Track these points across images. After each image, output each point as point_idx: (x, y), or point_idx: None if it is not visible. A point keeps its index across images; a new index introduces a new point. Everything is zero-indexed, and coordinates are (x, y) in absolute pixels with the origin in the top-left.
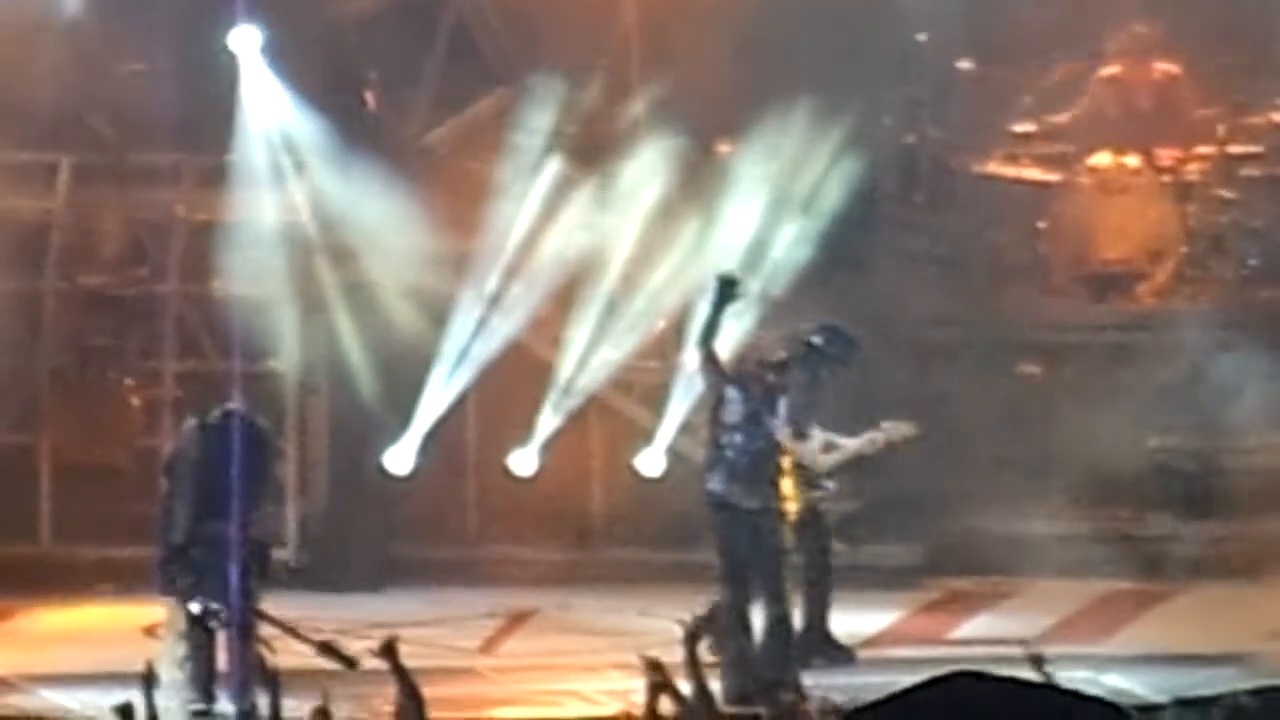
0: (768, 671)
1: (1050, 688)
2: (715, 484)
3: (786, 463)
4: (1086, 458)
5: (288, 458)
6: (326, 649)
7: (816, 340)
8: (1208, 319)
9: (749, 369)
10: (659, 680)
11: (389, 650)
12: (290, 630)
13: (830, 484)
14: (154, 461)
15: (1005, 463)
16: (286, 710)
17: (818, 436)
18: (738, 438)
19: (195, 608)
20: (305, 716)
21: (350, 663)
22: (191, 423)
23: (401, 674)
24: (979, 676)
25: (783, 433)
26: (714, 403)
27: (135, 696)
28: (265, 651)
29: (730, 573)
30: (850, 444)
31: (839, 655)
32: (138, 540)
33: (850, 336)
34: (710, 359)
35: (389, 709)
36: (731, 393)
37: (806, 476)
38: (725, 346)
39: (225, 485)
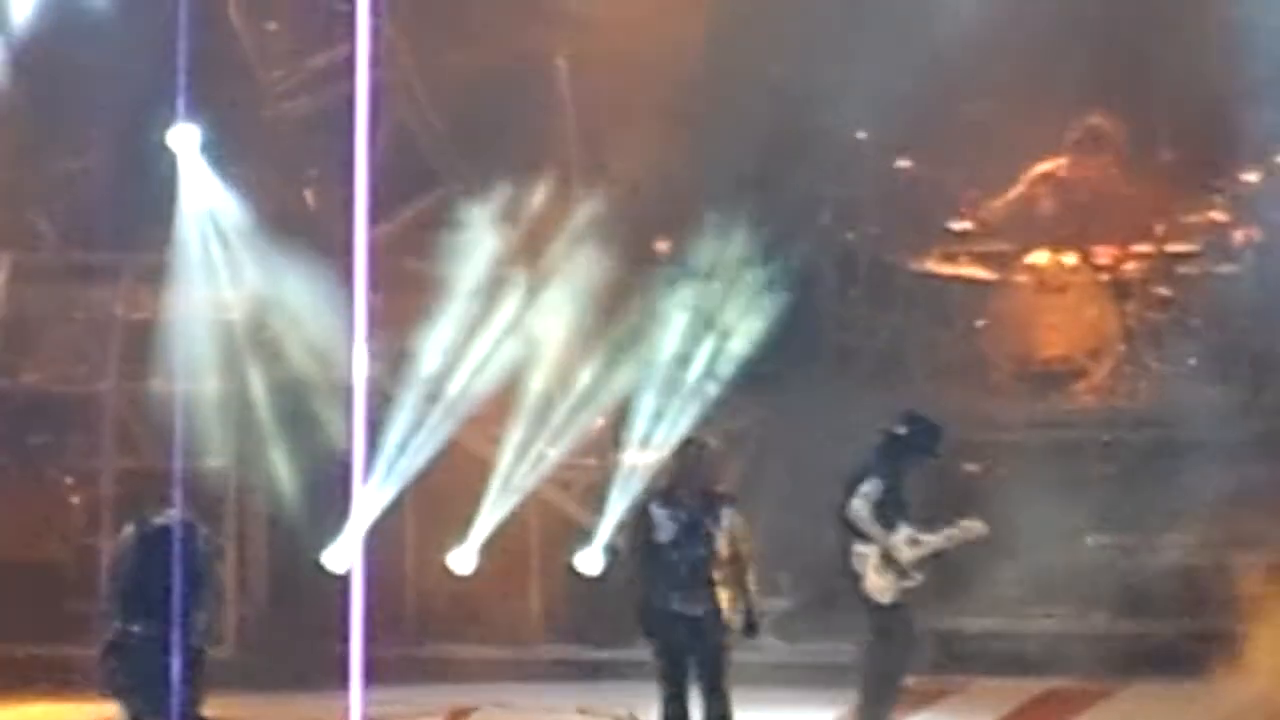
0: None
1: None
2: (656, 597)
3: (874, 555)
4: (1025, 555)
5: (225, 557)
6: None
7: (900, 430)
8: (1146, 417)
9: (682, 488)
10: None
11: None
12: None
13: (919, 576)
14: (94, 559)
15: (944, 560)
16: None
17: (903, 530)
18: (673, 554)
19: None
20: None
21: None
22: (130, 528)
23: None
24: None
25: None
26: (642, 531)
27: None
28: None
29: (668, 671)
30: (933, 539)
31: None
32: (77, 639)
33: (935, 424)
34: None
35: None
36: (660, 517)
37: (897, 568)
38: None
39: (162, 588)
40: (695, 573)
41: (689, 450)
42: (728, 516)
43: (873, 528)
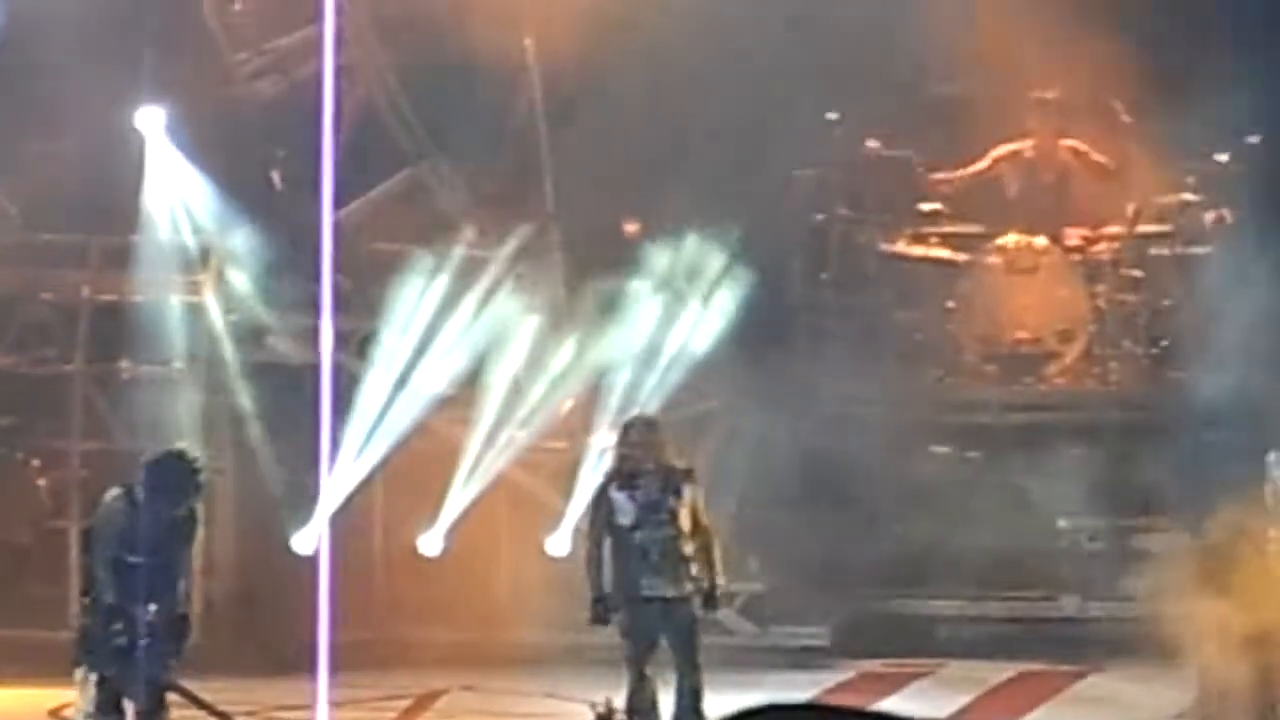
0: None
1: (861, 713)
2: (626, 581)
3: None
4: (996, 538)
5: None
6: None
7: None
8: (1118, 399)
9: (639, 468)
10: None
11: None
12: (206, 706)
13: None
14: (60, 542)
15: (914, 543)
16: None
17: None
18: (636, 536)
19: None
20: None
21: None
22: (116, 491)
23: None
24: (788, 708)
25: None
26: (602, 516)
27: None
28: None
29: (636, 655)
30: None
31: None
32: (43, 622)
33: None
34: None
35: None
36: (619, 500)
37: None
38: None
39: (150, 556)
40: (664, 554)
41: (634, 429)
42: (688, 491)
43: None
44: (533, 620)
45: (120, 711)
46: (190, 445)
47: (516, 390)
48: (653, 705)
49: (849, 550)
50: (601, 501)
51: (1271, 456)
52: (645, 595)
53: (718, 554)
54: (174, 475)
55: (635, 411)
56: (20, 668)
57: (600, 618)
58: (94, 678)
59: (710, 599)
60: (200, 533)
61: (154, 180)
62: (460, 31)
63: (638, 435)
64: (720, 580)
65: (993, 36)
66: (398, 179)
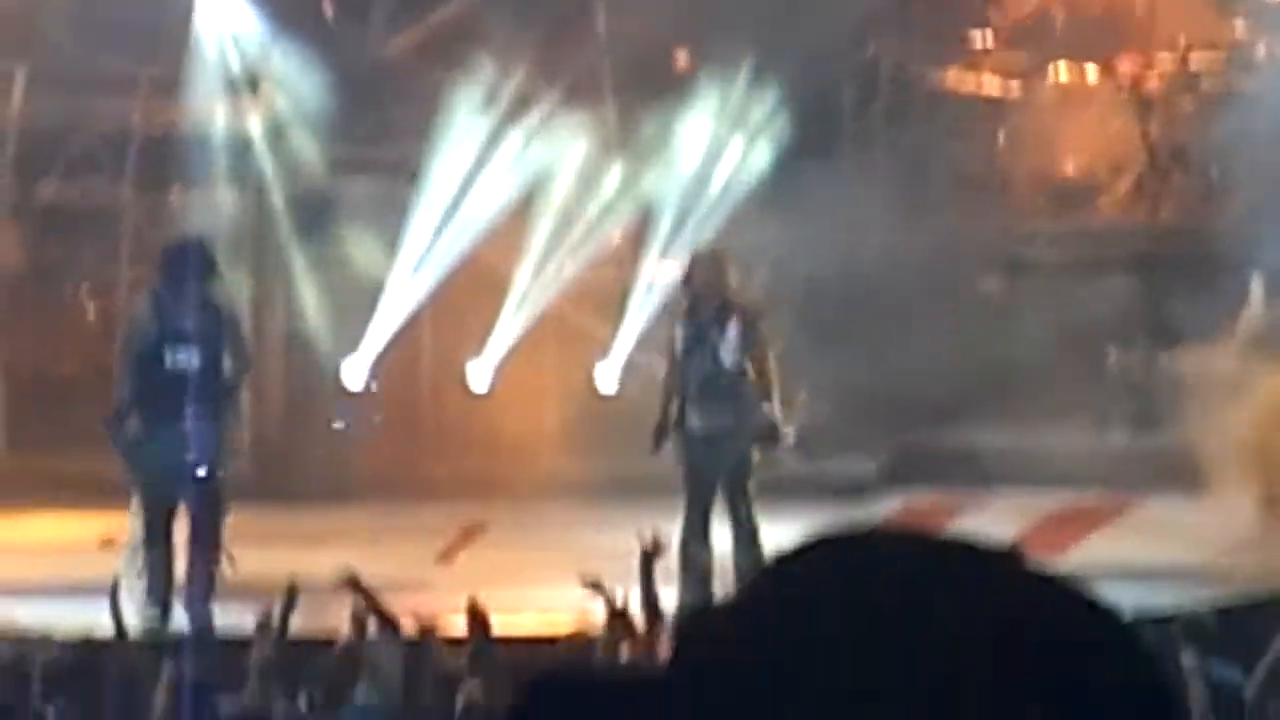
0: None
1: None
2: (675, 411)
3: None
4: (1045, 370)
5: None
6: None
7: None
8: (1168, 232)
9: (699, 300)
10: (609, 599)
11: (354, 582)
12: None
13: None
14: (110, 371)
15: (963, 375)
16: (235, 621)
17: None
18: (686, 368)
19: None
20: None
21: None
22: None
23: (371, 600)
24: (852, 538)
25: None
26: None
27: (88, 608)
28: (227, 563)
29: (692, 488)
30: None
31: None
32: (92, 452)
33: None
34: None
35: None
36: (678, 331)
37: None
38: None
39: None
40: (705, 386)
41: (700, 261)
42: (735, 327)
43: None
44: (581, 452)
45: (168, 540)
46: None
47: (566, 220)
48: (704, 538)
49: (897, 382)
50: (670, 333)
51: (1255, 282)
52: (690, 428)
53: (776, 392)
54: (191, 257)
55: (701, 245)
56: (72, 494)
57: (655, 445)
58: (138, 504)
59: (770, 436)
60: (246, 334)
61: (204, 8)
62: None
63: (701, 269)
64: (779, 417)
65: None
66: (450, 8)
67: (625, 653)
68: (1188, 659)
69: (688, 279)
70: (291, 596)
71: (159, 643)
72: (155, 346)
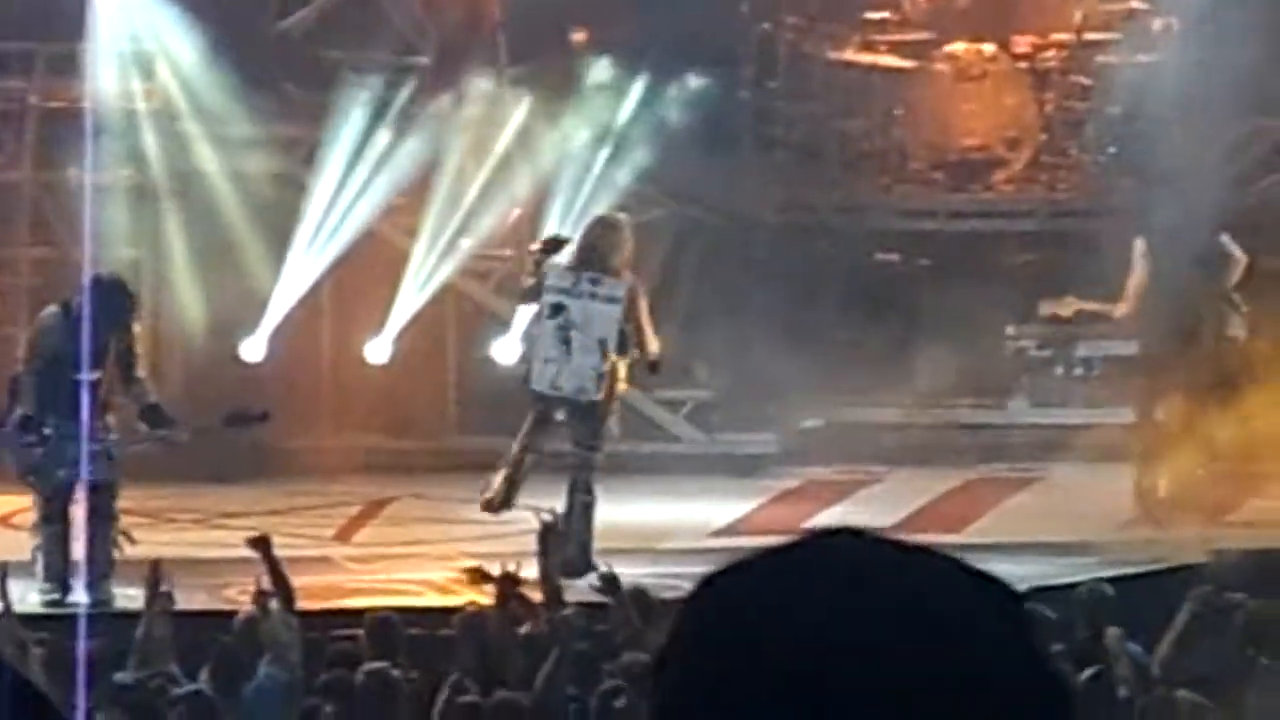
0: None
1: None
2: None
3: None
4: (943, 345)
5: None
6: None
7: None
8: (1065, 206)
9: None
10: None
11: (263, 543)
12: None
13: None
14: (9, 349)
15: (862, 350)
16: (129, 599)
17: None
18: (549, 327)
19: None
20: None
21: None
22: (54, 309)
23: (274, 567)
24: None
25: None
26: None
27: None
28: (124, 541)
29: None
30: None
31: None
32: None
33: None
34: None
35: (245, 597)
36: (547, 288)
37: None
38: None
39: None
40: (567, 346)
41: (596, 224)
42: (606, 288)
43: None
44: (480, 428)
45: (65, 519)
46: (137, 255)
47: (464, 198)
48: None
49: (797, 358)
50: (536, 285)
51: (1138, 244)
52: (542, 388)
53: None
54: (113, 297)
55: (605, 212)
56: None
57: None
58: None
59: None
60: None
61: None
62: None
63: (594, 231)
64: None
65: None
66: None
67: (525, 628)
68: (1110, 636)
69: (581, 241)
70: (156, 576)
71: (55, 618)
72: (63, 362)
